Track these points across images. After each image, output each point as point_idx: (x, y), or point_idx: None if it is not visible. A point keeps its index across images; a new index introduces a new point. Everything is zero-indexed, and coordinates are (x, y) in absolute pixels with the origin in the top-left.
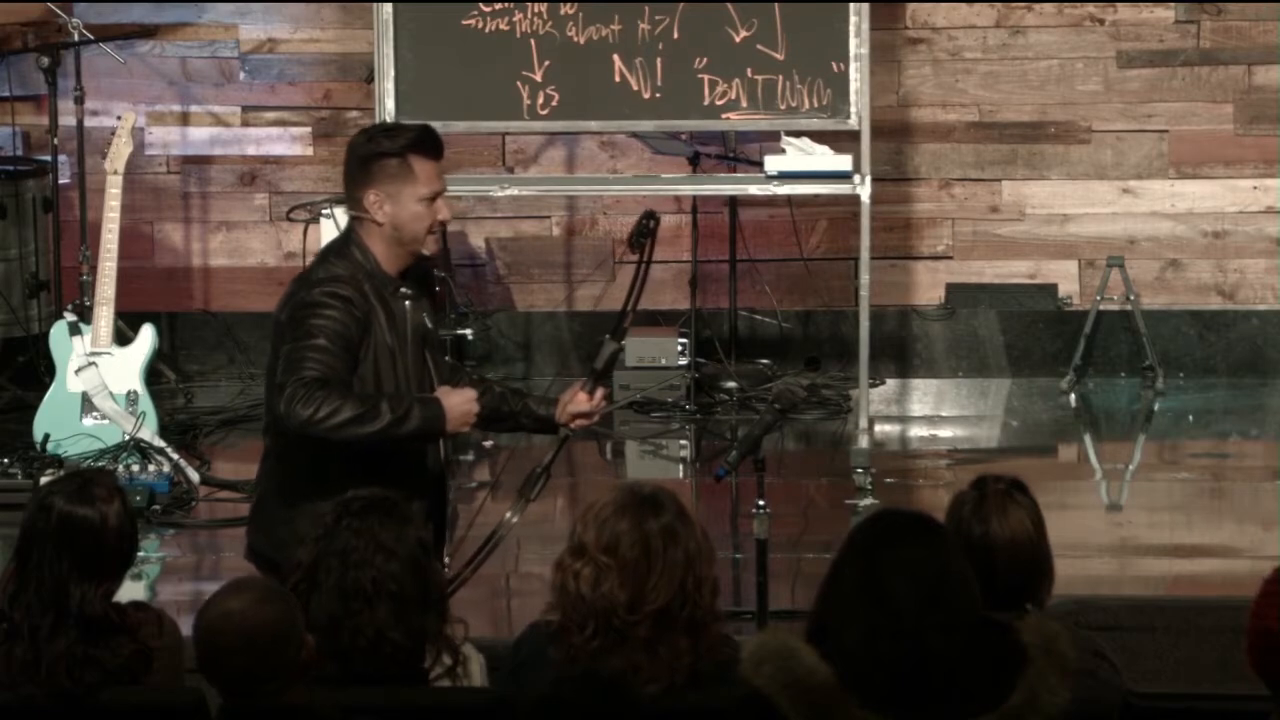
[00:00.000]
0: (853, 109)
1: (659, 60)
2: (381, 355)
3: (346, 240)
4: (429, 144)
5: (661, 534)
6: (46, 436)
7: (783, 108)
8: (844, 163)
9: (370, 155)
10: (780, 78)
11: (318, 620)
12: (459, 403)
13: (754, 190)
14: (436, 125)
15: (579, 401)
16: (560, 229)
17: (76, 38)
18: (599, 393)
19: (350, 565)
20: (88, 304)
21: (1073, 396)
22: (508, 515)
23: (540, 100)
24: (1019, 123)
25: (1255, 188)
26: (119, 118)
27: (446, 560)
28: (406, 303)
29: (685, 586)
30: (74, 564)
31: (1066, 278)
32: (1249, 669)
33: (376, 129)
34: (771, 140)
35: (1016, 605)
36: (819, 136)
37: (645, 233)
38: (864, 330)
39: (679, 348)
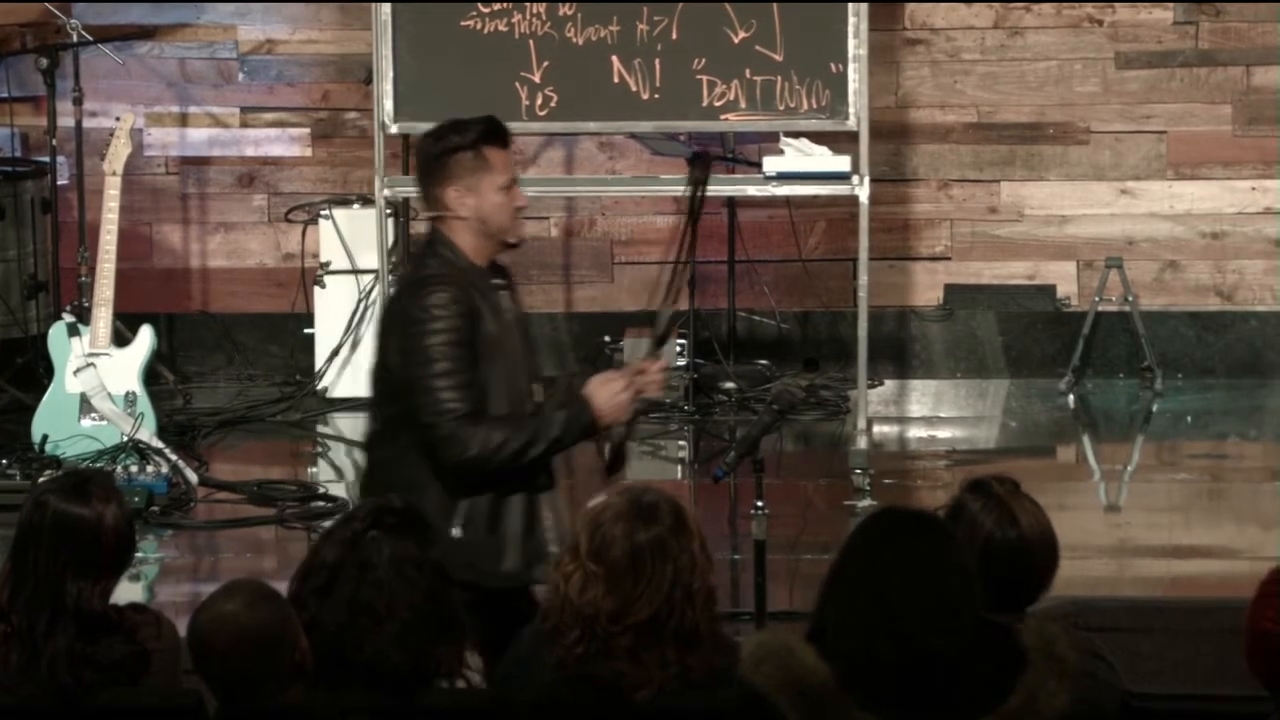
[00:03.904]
0: (851, 110)
1: (657, 61)
2: (490, 347)
3: (432, 243)
4: (499, 133)
5: (650, 546)
6: (45, 437)
7: (781, 109)
8: (842, 164)
9: (444, 152)
10: (779, 78)
11: (325, 624)
12: (605, 399)
13: (752, 191)
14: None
15: (645, 367)
16: (559, 230)
17: (75, 39)
18: (659, 361)
19: (366, 582)
20: (86, 305)
21: (1071, 397)
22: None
23: (539, 101)
24: (1017, 124)
25: (1254, 189)
26: (117, 119)
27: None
28: (503, 294)
29: (672, 599)
30: (69, 561)
31: (1065, 279)
32: (1247, 670)
33: (443, 127)
34: (770, 141)
35: (1027, 603)
36: (817, 137)
37: (699, 182)
38: (862, 331)
39: (677, 348)
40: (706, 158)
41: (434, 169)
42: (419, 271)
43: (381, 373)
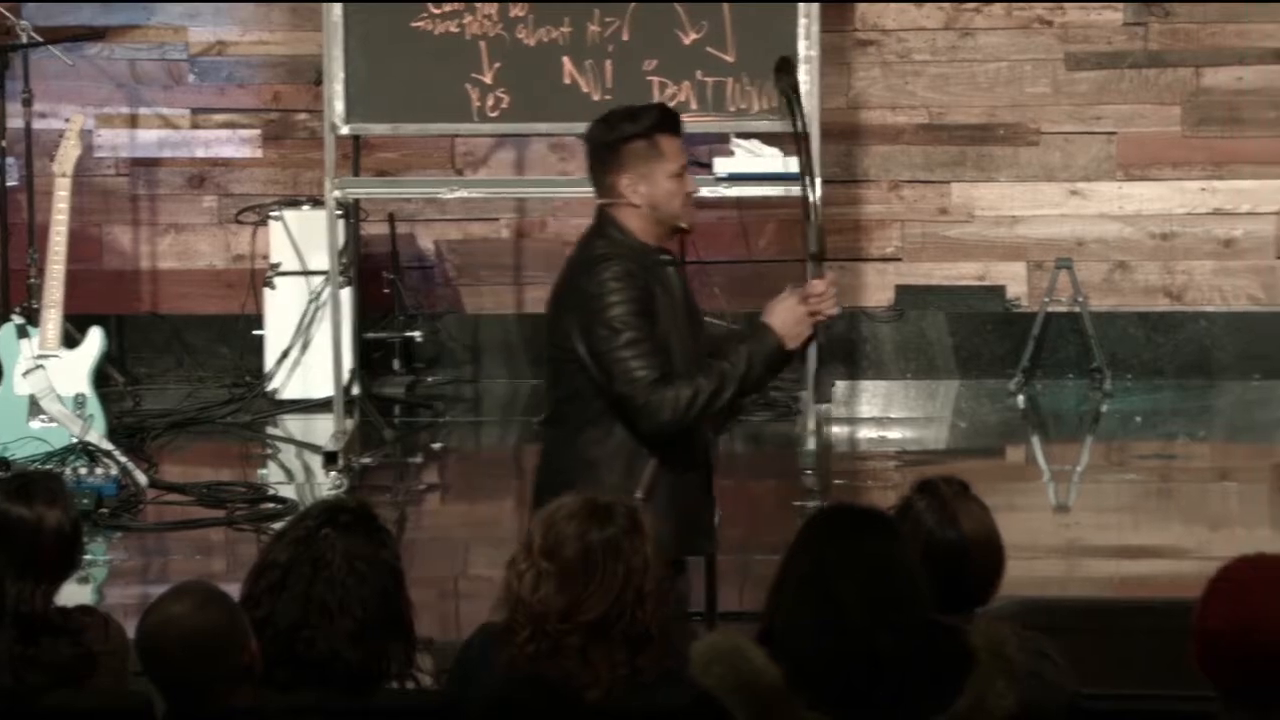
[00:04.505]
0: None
1: (609, 62)
2: (666, 319)
3: (600, 225)
4: (671, 121)
5: (603, 546)
6: None
7: (732, 110)
8: (793, 165)
9: (617, 140)
10: (730, 80)
11: (278, 622)
12: (785, 319)
13: (703, 192)
14: (384, 127)
15: (814, 288)
16: (509, 231)
17: (25, 40)
18: (825, 276)
19: (320, 580)
20: (35, 306)
21: (1021, 398)
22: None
23: (490, 102)
24: (968, 125)
25: (1203, 189)
26: (67, 120)
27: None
28: (670, 270)
29: (623, 600)
30: (8, 562)
31: (1015, 279)
32: (1196, 670)
33: (615, 114)
34: (721, 142)
35: (978, 604)
36: (768, 138)
37: (789, 84)
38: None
39: None
40: (790, 63)
41: (607, 157)
42: (588, 252)
43: (553, 353)
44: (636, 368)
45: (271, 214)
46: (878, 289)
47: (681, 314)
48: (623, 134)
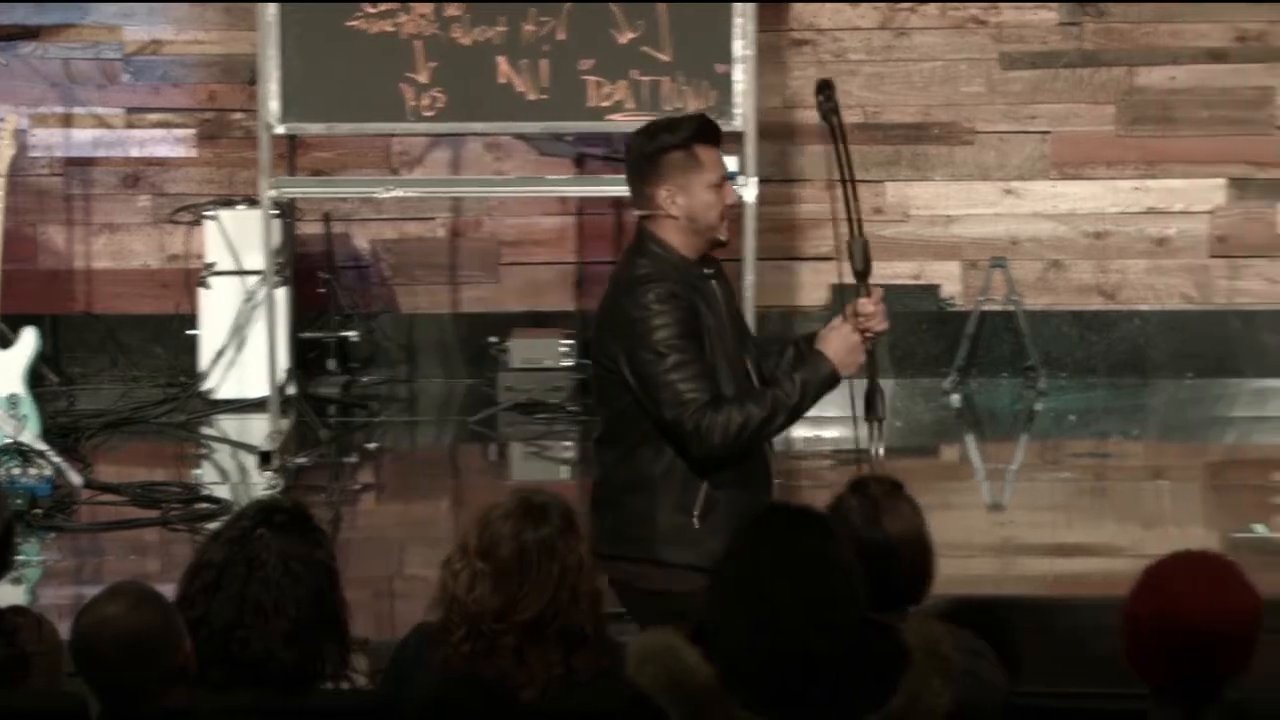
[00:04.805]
0: (738, 110)
1: (544, 62)
2: (711, 337)
3: (642, 241)
4: (710, 131)
5: (538, 546)
6: None
7: (669, 109)
8: (729, 164)
9: (656, 151)
10: (666, 79)
11: (213, 623)
12: (839, 347)
13: None
14: (319, 127)
15: (864, 307)
16: (445, 230)
17: None
18: (873, 294)
19: (255, 580)
20: None
21: (955, 397)
22: (872, 447)
23: (425, 102)
24: (903, 124)
25: (1136, 188)
26: (1, 120)
27: None
28: (713, 282)
29: (558, 600)
30: None
31: (949, 278)
32: (1125, 665)
33: (655, 126)
34: None
35: (912, 603)
36: None
37: (829, 107)
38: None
39: (562, 349)
40: (830, 84)
41: (645, 168)
42: (632, 271)
43: (600, 373)
44: (685, 391)
45: (206, 213)
46: (812, 288)
47: (727, 327)
48: (661, 145)
